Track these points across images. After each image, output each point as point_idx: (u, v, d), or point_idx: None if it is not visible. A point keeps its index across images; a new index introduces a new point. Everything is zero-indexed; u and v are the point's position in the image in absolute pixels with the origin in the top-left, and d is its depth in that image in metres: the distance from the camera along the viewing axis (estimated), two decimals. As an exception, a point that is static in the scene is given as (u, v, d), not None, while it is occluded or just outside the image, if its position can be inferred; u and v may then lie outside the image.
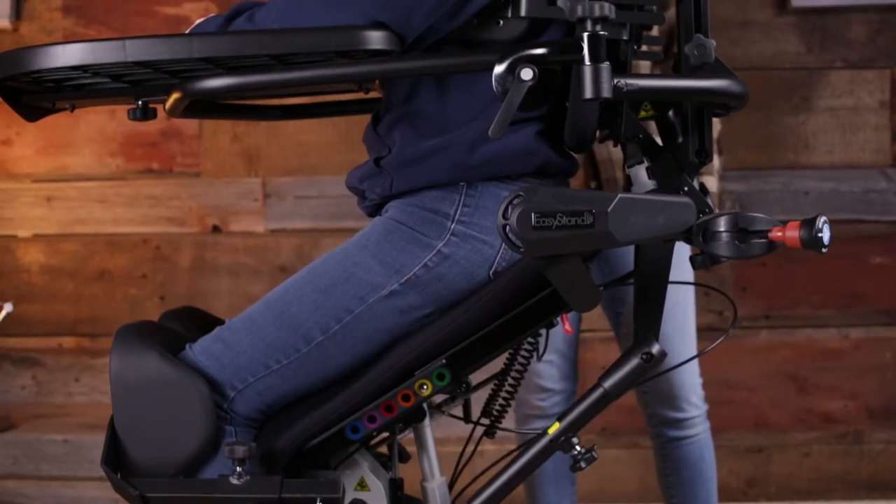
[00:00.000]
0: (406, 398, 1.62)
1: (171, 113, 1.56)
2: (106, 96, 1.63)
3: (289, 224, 3.24)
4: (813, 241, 1.46)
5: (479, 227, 1.59)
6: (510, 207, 1.48)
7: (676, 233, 1.53)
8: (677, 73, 1.64)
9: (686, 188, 1.60)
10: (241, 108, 1.90)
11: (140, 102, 1.60)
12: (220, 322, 1.69)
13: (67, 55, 1.51)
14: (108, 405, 1.59)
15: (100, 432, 1.72)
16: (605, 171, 2.52)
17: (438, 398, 1.68)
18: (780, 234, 1.48)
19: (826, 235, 1.47)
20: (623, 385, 1.62)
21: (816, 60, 3.19)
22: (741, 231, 1.50)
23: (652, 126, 1.68)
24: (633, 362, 1.62)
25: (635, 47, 1.68)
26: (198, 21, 1.64)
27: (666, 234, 1.53)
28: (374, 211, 1.70)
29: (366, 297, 1.63)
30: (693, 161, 1.63)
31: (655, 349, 1.61)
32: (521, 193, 1.48)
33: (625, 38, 1.62)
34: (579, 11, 1.47)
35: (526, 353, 1.72)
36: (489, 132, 1.47)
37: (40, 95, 1.62)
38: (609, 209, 1.48)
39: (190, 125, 3.20)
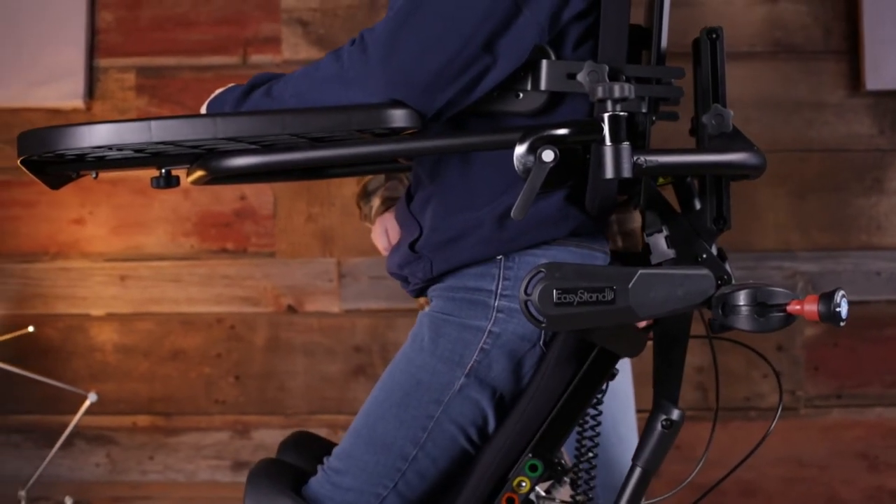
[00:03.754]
0: (511, 501, 1.71)
1: (195, 183, 1.67)
2: (129, 167, 1.70)
3: (363, 304, 3.33)
4: (831, 315, 1.51)
5: None
6: (532, 283, 1.55)
7: (696, 304, 1.60)
8: (694, 135, 1.72)
9: (704, 255, 1.68)
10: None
11: (163, 171, 1.65)
12: (333, 445, 1.82)
13: (94, 136, 1.57)
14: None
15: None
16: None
17: (545, 485, 1.79)
18: (798, 307, 1.53)
19: (844, 309, 1.52)
20: (657, 457, 1.71)
21: (889, 142, 3.31)
22: (760, 304, 1.55)
23: (670, 190, 1.76)
24: (657, 432, 1.70)
25: (653, 118, 1.76)
26: (217, 91, 1.73)
27: (686, 307, 1.60)
28: (420, 293, 1.81)
29: (440, 398, 1.72)
30: (711, 228, 1.71)
31: (675, 415, 1.70)
32: (543, 270, 1.55)
33: (643, 110, 1.69)
34: (600, 93, 1.55)
35: (596, 413, 1.81)
36: (512, 214, 1.55)
37: (64, 166, 1.69)
38: (630, 285, 1.55)
39: (264, 206, 3.31)
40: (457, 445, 1.74)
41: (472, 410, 1.72)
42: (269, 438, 3.39)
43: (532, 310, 1.55)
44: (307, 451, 1.89)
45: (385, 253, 2.13)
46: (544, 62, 1.68)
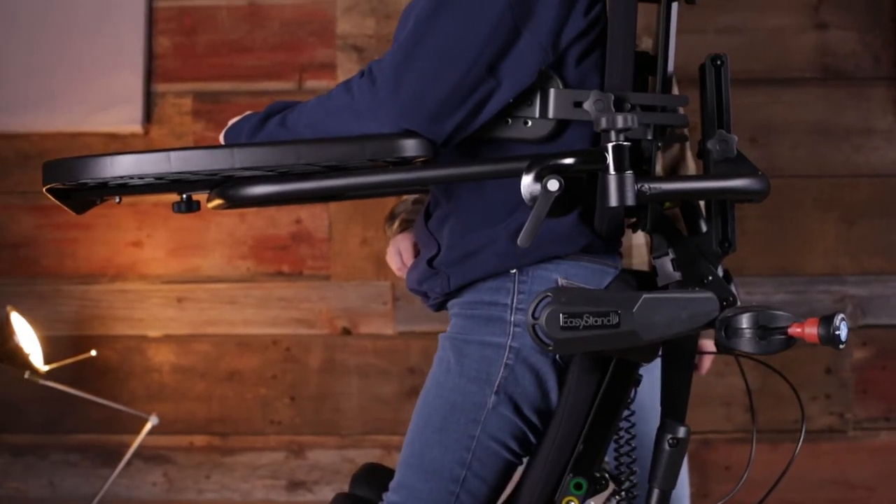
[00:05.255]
0: None
1: (214, 209, 1.73)
2: (151, 192, 1.75)
3: (417, 326, 3.40)
4: (830, 338, 1.55)
5: None
6: (539, 307, 1.61)
7: (700, 326, 1.65)
8: (701, 157, 1.76)
9: (710, 277, 1.72)
10: None
11: (184, 196, 1.71)
12: None
13: (116, 167, 1.63)
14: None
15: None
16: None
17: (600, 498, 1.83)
18: (799, 330, 1.58)
19: (843, 332, 1.56)
20: (671, 476, 1.75)
21: (937, 168, 3.35)
22: (762, 327, 1.59)
23: (677, 212, 1.80)
24: (665, 452, 1.75)
25: (659, 144, 1.81)
26: (233, 120, 1.80)
27: (690, 329, 1.65)
28: (439, 307, 1.87)
29: (477, 417, 1.79)
30: (716, 251, 1.75)
31: (681, 432, 1.75)
32: (550, 294, 1.61)
33: (649, 137, 1.74)
34: (603, 123, 1.61)
35: (629, 425, 1.85)
36: (518, 241, 1.61)
37: (88, 192, 1.75)
38: (634, 309, 1.60)
39: (320, 229, 3.38)
40: (502, 460, 1.80)
41: (510, 425, 1.79)
42: (323, 459, 3.47)
43: (540, 333, 1.61)
44: (379, 483, 1.95)
45: (398, 273, 2.20)
46: (552, 91, 1.74)
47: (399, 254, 2.21)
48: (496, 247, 1.77)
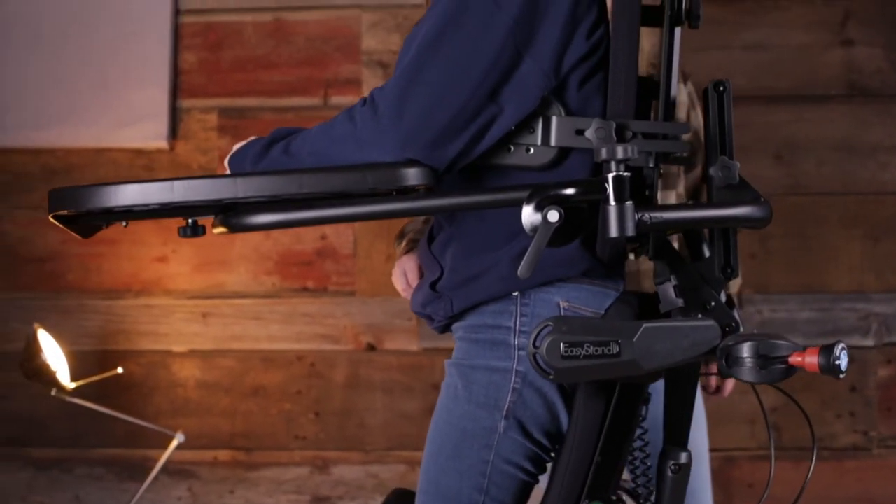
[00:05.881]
0: None
1: (220, 234, 1.73)
2: (156, 217, 1.78)
3: (441, 343, 3.42)
4: (830, 368, 1.55)
5: None
6: (540, 336, 1.61)
7: (701, 354, 1.65)
8: (705, 181, 1.78)
9: (713, 303, 1.72)
10: None
11: (190, 221, 1.72)
12: None
13: (120, 196, 1.65)
14: None
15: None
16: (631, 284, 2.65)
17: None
18: (799, 359, 1.57)
19: (844, 362, 1.55)
20: (675, 502, 1.77)
21: (964, 185, 3.36)
22: (762, 357, 1.58)
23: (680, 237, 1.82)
24: (668, 478, 1.76)
25: (661, 171, 1.81)
26: (237, 146, 1.82)
27: (691, 357, 1.65)
28: (443, 330, 1.88)
29: (489, 442, 1.79)
30: (719, 277, 1.75)
31: (682, 458, 1.76)
32: (550, 323, 1.61)
33: (650, 164, 1.75)
34: (603, 154, 1.60)
35: (642, 444, 1.85)
36: (518, 273, 1.60)
37: (94, 217, 1.76)
38: (634, 339, 1.61)
39: (345, 245, 3.40)
40: (518, 482, 1.81)
41: (522, 447, 1.80)
42: (348, 474, 3.49)
43: (541, 362, 1.61)
44: None
45: (403, 294, 2.21)
46: (554, 118, 1.74)
47: (404, 274, 2.22)
48: (498, 271, 1.77)
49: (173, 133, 3.54)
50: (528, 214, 1.60)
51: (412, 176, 1.68)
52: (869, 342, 3.40)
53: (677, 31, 1.83)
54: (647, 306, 1.80)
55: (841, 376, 1.56)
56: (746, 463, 3.42)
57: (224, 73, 3.56)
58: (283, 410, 3.54)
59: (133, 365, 3.54)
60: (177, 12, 3.54)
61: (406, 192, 1.71)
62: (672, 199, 2.64)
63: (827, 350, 1.54)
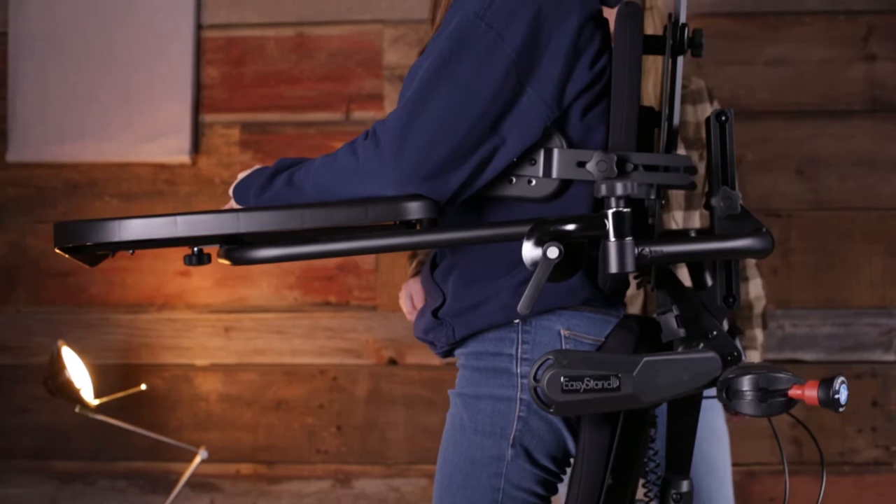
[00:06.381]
0: None
1: (224, 263, 1.76)
2: (162, 246, 1.80)
3: (463, 357, 3.38)
4: (830, 402, 1.57)
5: None
6: (541, 370, 1.63)
7: (701, 386, 1.67)
8: (708, 208, 1.79)
9: (714, 332, 1.73)
10: None
11: (195, 249, 1.75)
12: None
13: (124, 231, 1.70)
14: None
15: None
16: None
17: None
18: (799, 392, 1.59)
19: (843, 396, 1.57)
20: None
21: None
22: (762, 390, 1.60)
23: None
24: None
25: (662, 202, 1.84)
26: (242, 175, 1.84)
27: (691, 390, 1.67)
28: (446, 355, 1.91)
29: (498, 470, 1.81)
30: (721, 306, 1.77)
31: (684, 486, 1.77)
32: (551, 357, 1.63)
33: (652, 196, 1.76)
34: (603, 191, 1.63)
35: (653, 454, 1.87)
36: (518, 309, 1.62)
37: (99, 248, 1.79)
38: (634, 373, 1.63)
39: (367, 260, 3.41)
40: None
41: (531, 474, 1.83)
42: (369, 487, 3.50)
43: (541, 395, 1.63)
44: None
45: (409, 317, 2.22)
46: (556, 151, 1.76)
47: (410, 298, 2.23)
48: (500, 299, 1.79)
49: (196, 148, 3.56)
50: (529, 250, 1.62)
51: (414, 210, 1.69)
52: (890, 357, 3.40)
53: (679, 59, 1.84)
54: (648, 330, 1.83)
55: (840, 409, 1.57)
56: (767, 477, 3.42)
57: (246, 88, 3.58)
58: (306, 424, 3.55)
59: (156, 379, 3.56)
60: (199, 27, 3.57)
61: (409, 225, 1.73)
62: (696, 218, 2.65)
63: (826, 384, 1.56)
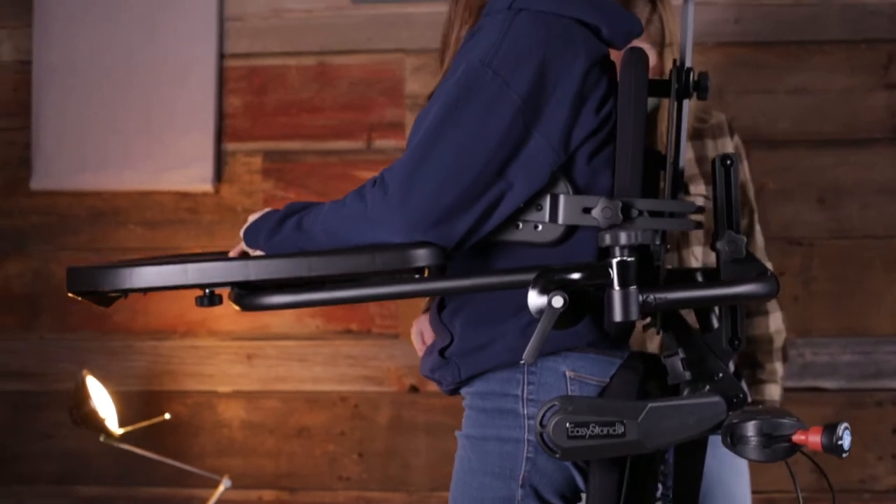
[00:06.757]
0: None
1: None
2: (174, 289, 1.82)
3: (485, 385, 3.39)
4: (833, 448, 1.58)
5: None
6: (547, 415, 1.65)
7: (706, 430, 1.69)
8: (713, 249, 1.81)
9: (720, 374, 1.75)
10: None
11: (207, 291, 1.77)
12: None
13: (135, 278, 1.74)
14: None
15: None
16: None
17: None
18: (802, 437, 1.61)
19: (846, 442, 1.59)
20: None
21: None
22: (766, 435, 1.61)
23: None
24: None
25: (667, 246, 1.84)
26: (252, 217, 1.86)
27: (696, 435, 1.69)
28: (453, 392, 1.92)
29: None
30: (727, 348, 1.79)
31: None
32: (557, 403, 1.65)
33: (657, 242, 1.77)
34: (607, 240, 1.65)
35: (667, 490, 1.88)
36: (523, 357, 1.64)
37: (113, 291, 1.82)
38: (639, 419, 1.64)
39: (388, 288, 3.37)
40: None
41: None
42: (391, 515, 3.52)
43: (547, 440, 1.64)
44: None
45: (419, 353, 2.24)
46: (562, 197, 1.77)
47: (421, 335, 2.25)
48: (506, 341, 1.80)
49: (218, 176, 3.59)
50: (534, 298, 1.64)
51: (421, 257, 1.70)
52: (912, 385, 3.41)
53: (685, 103, 1.85)
54: (653, 368, 1.84)
55: (844, 455, 1.58)
56: (788, 505, 3.43)
57: (268, 117, 3.60)
58: (327, 451, 3.57)
59: (179, 405, 3.59)
60: (221, 56, 3.60)
61: (416, 270, 1.74)
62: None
63: (830, 430, 1.58)
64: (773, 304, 2.77)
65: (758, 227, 2.76)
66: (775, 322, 2.76)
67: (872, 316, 3.43)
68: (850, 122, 3.43)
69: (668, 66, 2.48)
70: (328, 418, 3.59)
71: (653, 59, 2.49)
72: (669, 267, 2.23)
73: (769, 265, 2.75)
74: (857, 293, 3.43)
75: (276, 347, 3.59)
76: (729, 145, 2.70)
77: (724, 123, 2.71)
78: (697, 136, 2.67)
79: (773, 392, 2.76)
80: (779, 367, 2.75)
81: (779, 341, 2.75)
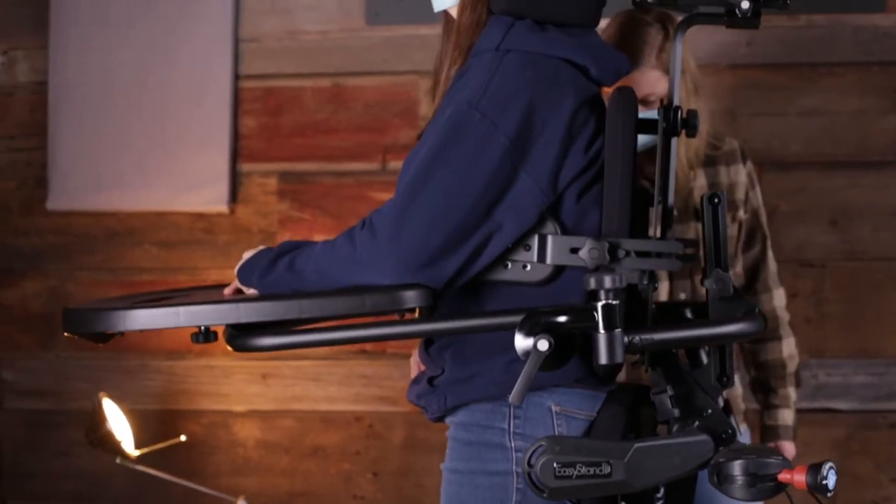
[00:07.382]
0: None
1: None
2: (170, 327, 1.85)
3: (498, 405, 3.41)
4: (818, 487, 1.59)
5: (533, 438, 1.76)
6: (534, 455, 1.66)
7: (693, 469, 1.70)
8: (702, 284, 1.84)
9: (709, 410, 1.77)
10: None
11: (202, 328, 1.79)
12: None
13: (129, 321, 1.80)
14: None
15: None
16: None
17: None
18: (788, 476, 1.61)
19: (831, 481, 1.59)
20: None
21: None
22: (752, 475, 1.62)
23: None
24: None
25: (655, 285, 1.87)
26: (247, 255, 1.88)
27: (683, 473, 1.70)
28: (438, 420, 1.96)
29: None
30: (715, 385, 1.82)
31: None
32: (544, 444, 1.66)
33: (644, 282, 1.80)
34: (592, 284, 1.66)
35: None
36: (510, 399, 1.66)
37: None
38: (625, 459, 1.65)
39: (402, 308, 3.39)
40: None
41: None
42: (405, 534, 3.54)
43: (535, 480, 1.66)
44: None
45: None
46: (550, 237, 1.79)
47: (418, 364, 2.28)
48: (493, 375, 1.83)
49: (234, 197, 3.62)
50: (520, 341, 1.66)
51: (410, 299, 1.73)
52: (924, 407, 3.42)
53: (673, 141, 1.86)
54: (641, 400, 1.87)
55: (829, 494, 1.59)
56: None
57: (283, 138, 3.63)
58: (342, 470, 3.59)
59: (194, 425, 3.61)
60: (237, 77, 3.63)
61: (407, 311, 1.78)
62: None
63: (814, 469, 1.59)
64: (786, 330, 2.78)
65: (770, 254, 2.78)
66: (788, 347, 2.77)
67: (885, 337, 3.45)
68: (862, 144, 3.44)
69: (682, 93, 2.50)
70: (343, 438, 3.61)
71: (664, 86, 2.50)
72: (658, 302, 2.25)
73: (781, 290, 2.78)
74: (870, 315, 3.44)
75: (291, 367, 3.62)
76: (742, 172, 2.71)
77: (738, 150, 2.73)
78: (710, 162, 2.68)
79: (787, 417, 2.77)
80: (792, 391, 2.77)
81: (792, 366, 2.77)
